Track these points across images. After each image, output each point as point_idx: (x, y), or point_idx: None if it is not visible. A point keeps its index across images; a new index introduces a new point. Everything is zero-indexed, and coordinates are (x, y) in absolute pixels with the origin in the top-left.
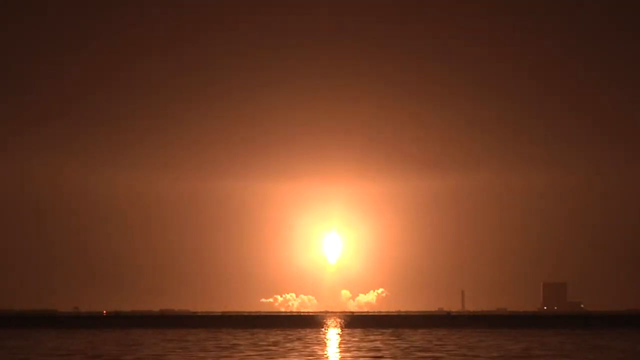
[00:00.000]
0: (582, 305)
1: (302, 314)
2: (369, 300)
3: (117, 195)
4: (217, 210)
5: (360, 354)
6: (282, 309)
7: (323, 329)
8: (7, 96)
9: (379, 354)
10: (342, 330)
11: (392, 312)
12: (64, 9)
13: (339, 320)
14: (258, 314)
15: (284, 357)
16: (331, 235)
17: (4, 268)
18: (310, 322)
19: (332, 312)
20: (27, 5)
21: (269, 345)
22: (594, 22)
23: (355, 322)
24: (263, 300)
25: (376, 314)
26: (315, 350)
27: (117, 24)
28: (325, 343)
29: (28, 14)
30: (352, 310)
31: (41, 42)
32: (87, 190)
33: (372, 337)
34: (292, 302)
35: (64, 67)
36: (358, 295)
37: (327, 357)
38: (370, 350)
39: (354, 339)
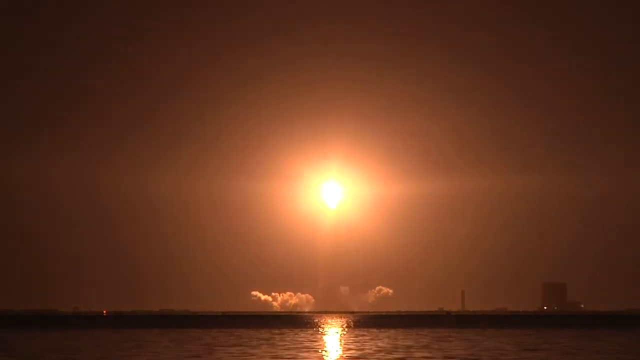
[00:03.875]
0: (582, 306)
1: (300, 313)
2: (367, 299)
3: (116, 196)
4: (217, 207)
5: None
6: (277, 307)
7: (323, 330)
8: (8, 97)
9: None
10: (345, 331)
11: (392, 312)
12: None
13: (340, 320)
14: (258, 313)
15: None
16: (330, 184)
17: (4, 268)
18: (313, 323)
19: (332, 312)
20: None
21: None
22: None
23: (355, 322)
24: (260, 295)
25: (377, 313)
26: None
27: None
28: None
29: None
30: (352, 309)
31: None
32: (87, 191)
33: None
34: (290, 301)
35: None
36: (357, 294)
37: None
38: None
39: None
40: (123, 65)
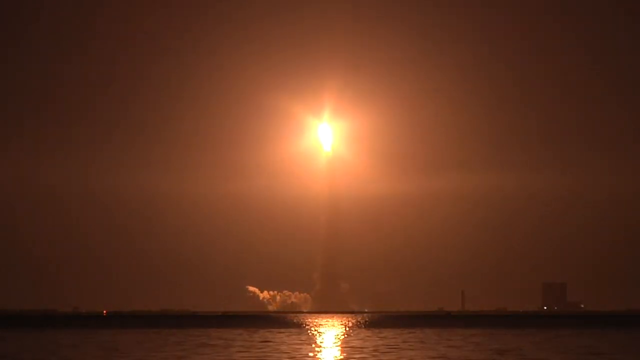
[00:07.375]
0: (582, 305)
1: (299, 312)
2: (367, 298)
3: (116, 196)
4: (218, 206)
5: None
6: (275, 307)
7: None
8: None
9: None
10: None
11: (392, 311)
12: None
13: (339, 319)
14: (257, 313)
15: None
16: (323, 125)
17: (4, 268)
18: (315, 323)
19: (331, 312)
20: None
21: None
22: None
23: (356, 322)
24: (257, 291)
25: (376, 313)
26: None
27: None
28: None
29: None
30: (351, 308)
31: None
32: (87, 191)
33: None
34: (288, 300)
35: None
36: (357, 292)
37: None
38: None
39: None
40: (114, 60)
